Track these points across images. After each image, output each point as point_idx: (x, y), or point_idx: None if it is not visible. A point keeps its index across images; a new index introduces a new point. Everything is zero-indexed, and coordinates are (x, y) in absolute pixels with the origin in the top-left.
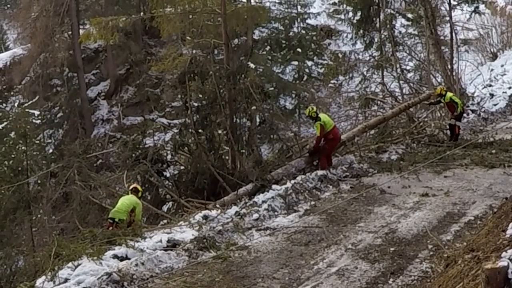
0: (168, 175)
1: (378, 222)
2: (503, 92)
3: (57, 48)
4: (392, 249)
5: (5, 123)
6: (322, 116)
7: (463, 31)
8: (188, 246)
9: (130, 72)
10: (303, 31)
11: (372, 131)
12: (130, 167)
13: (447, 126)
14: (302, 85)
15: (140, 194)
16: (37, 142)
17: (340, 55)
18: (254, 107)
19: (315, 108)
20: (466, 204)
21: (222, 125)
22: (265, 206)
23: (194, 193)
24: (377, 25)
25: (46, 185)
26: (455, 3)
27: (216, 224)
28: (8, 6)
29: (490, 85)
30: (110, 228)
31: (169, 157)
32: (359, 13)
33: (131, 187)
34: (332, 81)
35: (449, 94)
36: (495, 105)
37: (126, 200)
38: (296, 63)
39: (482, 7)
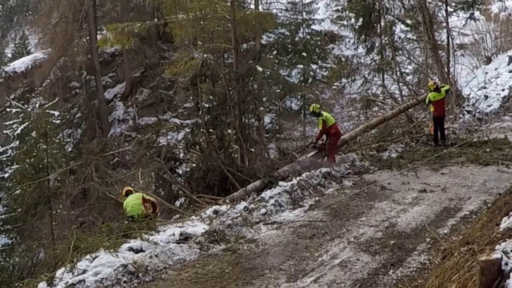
0: (180, 172)
1: (379, 216)
2: (497, 94)
3: (76, 52)
4: (392, 242)
5: (27, 123)
6: (324, 113)
7: (459, 36)
8: (200, 239)
9: (145, 75)
10: (308, 36)
11: (373, 131)
12: (145, 165)
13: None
14: (307, 87)
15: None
16: (57, 141)
17: (343, 59)
18: (262, 108)
19: (318, 105)
20: (462, 199)
21: (232, 125)
22: (272, 201)
23: (205, 189)
24: (378, 30)
25: (66, 182)
26: (452, 10)
27: (226, 218)
28: (30, 12)
29: (485, 87)
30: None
31: (181, 155)
32: (361, 20)
33: (124, 191)
34: (335, 84)
35: (431, 94)
36: (489, 106)
37: (133, 197)
38: (301, 66)
39: (477, 13)
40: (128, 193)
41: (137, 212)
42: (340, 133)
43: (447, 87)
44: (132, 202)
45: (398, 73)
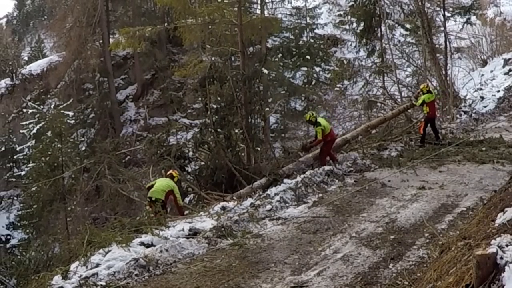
0: (189, 170)
1: (380, 212)
2: (492, 95)
3: (89, 55)
4: (392, 237)
5: (42, 123)
6: (321, 120)
7: (456, 40)
8: (208, 234)
9: (155, 77)
10: (312, 40)
11: (374, 130)
12: (155, 163)
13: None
14: (310, 88)
15: (175, 179)
16: (71, 140)
17: (345, 62)
18: (267, 109)
19: (314, 114)
20: (459, 196)
21: (239, 125)
22: (277, 198)
23: (213, 187)
24: (379, 34)
25: (80, 179)
26: (449, 14)
27: (233, 214)
28: (45, 17)
29: (481, 89)
30: (149, 206)
31: (190, 153)
32: (362, 24)
33: (168, 173)
34: (338, 85)
35: (426, 96)
36: (485, 107)
37: (163, 182)
38: (305, 69)
39: (473, 18)
40: (170, 176)
41: (155, 196)
42: (334, 139)
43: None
44: (158, 185)
45: (398, 75)
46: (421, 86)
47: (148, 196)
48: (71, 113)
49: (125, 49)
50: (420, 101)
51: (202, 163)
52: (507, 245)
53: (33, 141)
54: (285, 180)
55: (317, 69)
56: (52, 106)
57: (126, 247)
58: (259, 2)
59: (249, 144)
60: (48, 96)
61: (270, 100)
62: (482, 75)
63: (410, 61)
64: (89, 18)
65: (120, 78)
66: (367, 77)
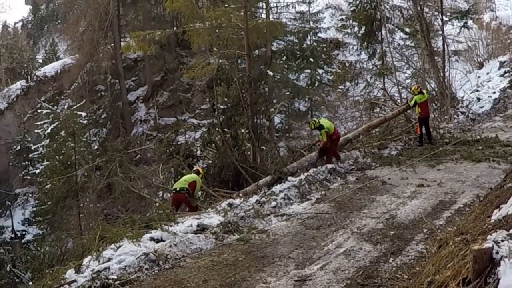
0: None
1: (380, 209)
2: (488, 96)
3: (101, 58)
4: (392, 232)
5: (56, 123)
6: (324, 122)
7: (454, 43)
8: (215, 230)
9: (165, 79)
10: (315, 43)
11: (375, 130)
12: (165, 161)
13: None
14: (314, 90)
15: (201, 176)
16: (84, 139)
17: (347, 64)
18: (272, 109)
19: (316, 120)
20: (456, 193)
21: (245, 125)
22: (282, 195)
23: (220, 184)
24: (379, 38)
25: (92, 177)
26: (447, 19)
27: (239, 211)
28: (59, 21)
29: (477, 90)
30: (173, 199)
31: (198, 152)
32: (363, 28)
33: (194, 168)
34: (340, 87)
35: (417, 97)
36: (481, 107)
37: (188, 175)
38: (308, 71)
39: (470, 22)
40: (195, 172)
41: (179, 186)
42: (339, 137)
43: (425, 90)
44: (182, 178)
45: (398, 77)
46: (413, 88)
47: (172, 189)
48: (83, 114)
49: (135, 52)
50: (412, 102)
51: (210, 161)
52: (502, 240)
53: (48, 141)
54: (289, 178)
55: (320, 71)
56: (65, 107)
57: (136, 242)
58: (264, 7)
59: (254, 143)
60: (62, 97)
61: (275, 101)
62: (479, 77)
63: (410, 64)
64: (101, 22)
65: (131, 80)
66: (368, 79)
